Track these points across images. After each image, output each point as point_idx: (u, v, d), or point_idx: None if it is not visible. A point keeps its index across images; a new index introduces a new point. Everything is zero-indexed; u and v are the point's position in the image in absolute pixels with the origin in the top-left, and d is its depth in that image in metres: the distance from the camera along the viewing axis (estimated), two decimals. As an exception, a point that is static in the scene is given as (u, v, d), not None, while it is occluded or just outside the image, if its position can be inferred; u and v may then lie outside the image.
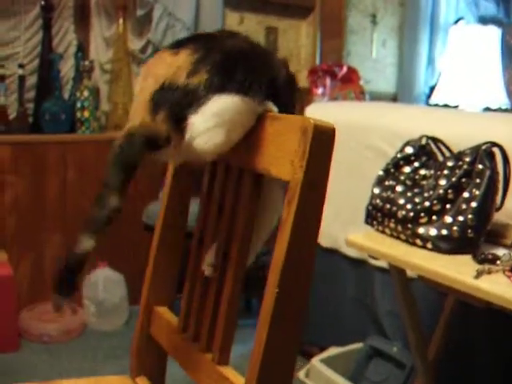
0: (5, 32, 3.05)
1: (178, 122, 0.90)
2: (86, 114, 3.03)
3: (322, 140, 0.88)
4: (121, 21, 3.14)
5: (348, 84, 3.33)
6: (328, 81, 3.28)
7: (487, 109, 3.91)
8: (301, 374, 2.18)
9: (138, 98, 0.94)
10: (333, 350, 2.25)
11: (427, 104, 3.98)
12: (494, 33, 3.76)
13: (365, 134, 2.24)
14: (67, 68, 3.17)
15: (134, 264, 3.01)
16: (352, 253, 2.34)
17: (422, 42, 3.88)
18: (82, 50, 3.19)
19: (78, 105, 3.03)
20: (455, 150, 1.65)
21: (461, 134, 1.84)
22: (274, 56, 1.01)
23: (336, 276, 2.46)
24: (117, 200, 0.90)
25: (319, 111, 2.50)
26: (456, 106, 3.75)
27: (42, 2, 3.06)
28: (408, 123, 2.12)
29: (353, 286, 2.41)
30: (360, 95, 3.35)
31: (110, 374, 1.36)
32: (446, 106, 3.84)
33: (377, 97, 3.72)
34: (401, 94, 3.85)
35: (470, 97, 3.69)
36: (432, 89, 3.93)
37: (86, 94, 3.02)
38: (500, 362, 1.94)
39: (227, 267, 1.05)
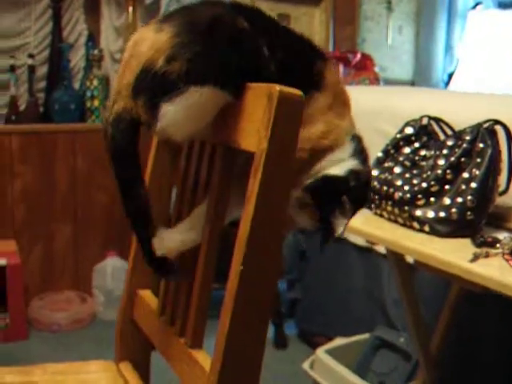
0: (15, 23, 3.05)
1: (154, 108, 0.87)
2: (96, 103, 3.02)
3: (289, 107, 0.84)
4: (130, 9, 3.12)
5: (362, 71, 3.25)
6: (341, 68, 3.22)
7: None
8: (305, 365, 2.13)
9: (122, 76, 0.91)
10: (339, 341, 2.19)
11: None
12: (514, 18, 3.65)
13: (372, 117, 2.18)
14: (78, 58, 3.17)
15: (143, 254, 2.99)
16: (360, 241, 2.28)
17: (439, 28, 3.78)
18: (93, 39, 3.18)
19: (88, 94, 3.02)
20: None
21: (468, 115, 1.77)
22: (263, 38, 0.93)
23: (344, 265, 2.40)
24: (142, 188, 0.93)
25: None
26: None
27: (52, -8, 3.05)
28: (417, 106, 2.05)
29: (361, 275, 2.35)
30: (375, 82, 3.28)
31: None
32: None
33: (393, 84, 3.64)
34: (418, 82, 3.75)
35: (490, 83, 3.59)
36: (450, 76, 3.84)
37: (95, 83, 3.01)
38: (509, 354, 1.87)
39: (200, 247, 1.01)
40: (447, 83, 3.85)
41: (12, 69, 2.98)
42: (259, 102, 0.85)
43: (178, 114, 0.87)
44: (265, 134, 0.83)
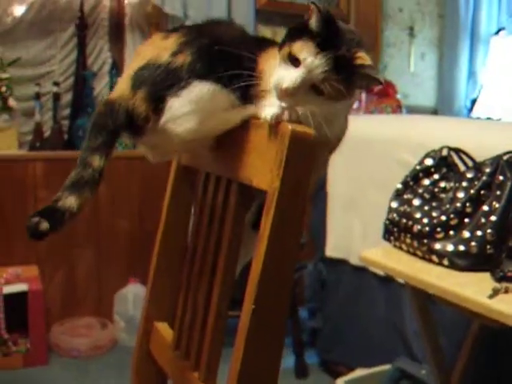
0: (41, 51, 3.11)
1: (157, 101, 0.89)
2: (119, 130, 3.03)
3: (300, 147, 0.84)
4: (154, 38, 3.16)
5: (384, 98, 3.25)
6: (363, 95, 3.22)
7: (532, 122, 3.77)
8: (325, 396, 2.11)
9: (122, 75, 0.94)
10: (359, 372, 2.17)
11: (469, 118, 3.87)
12: (538, 43, 3.63)
13: (393, 147, 2.17)
14: (102, 85, 3.20)
15: (164, 280, 2.99)
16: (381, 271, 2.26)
17: (462, 54, 3.77)
18: (116, 67, 3.21)
19: (111, 121, 3.04)
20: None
21: (491, 145, 1.75)
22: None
23: (365, 294, 2.38)
24: (99, 160, 0.88)
25: (350, 125, 2.44)
26: (499, 120, 3.62)
27: (77, 21, 3.10)
28: (439, 136, 2.03)
29: (382, 304, 2.32)
30: (397, 110, 3.27)
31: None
32: (488, 119, 3.72)
33: (416, 111, 3.63)
34: (441, 109, 3.73)
35: (514, 110, 3.56)
36: (473, 102, 3.81)
37: (118, 110, 3.04)
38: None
39: (214, 282, 1.01)
40: (470, 109, 3.82)
41: (37, 96, 3.02)
42: (272, 142, 0.86)
43: (183, 108, 0.89)
44: (277, 174, 0.83)
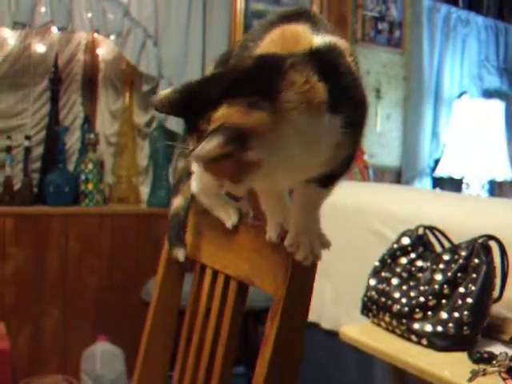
0: (13, 104, 3.10)
1: None
2: (90, 186, 3.04)
3: (306, 257, 0.88)
4: (127, 95, 3.19)
5: (352, 159, 3.32)
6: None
7: (492, 182, 3.91)
8: None
9: None
10: None
11: (432, 177, 3.98)
12: (497, 106, 3.78)
13: (369, 218, 2.22)
14: (73, 140, 3.20)
15: (133, 339, 2.97)
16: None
17: (425, 115, 3.90)
18: (89, 122, 3.22)
19: (82, 177, 3.05)
20: (456, 239, 1.63)
21: (464, 222, 1.82)
22: None
23: (337, 358, 2.41)
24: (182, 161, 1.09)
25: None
26: (461, 179, 3.75)
27: (51, 75, 3.12)
28: (412, 208, 2.11)
29: (353, 369, 2.36)
30: (364, 170, 3.36)
31: None
32: (451, 178, 3.84)
33: (381, 171, 3.72)
34: (405, 168, 3.84)
35: (475, 169, 3.69)
36: (437, 162, 3.94)
37: (90, 166, 3.05)
38: None
39: (212, 375, 1.04)
40: (433, 169, 3.95)
41: (8, 149, 3.01)
42: (277, 246, 0.89)
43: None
44: (283, 281, 0.87)
